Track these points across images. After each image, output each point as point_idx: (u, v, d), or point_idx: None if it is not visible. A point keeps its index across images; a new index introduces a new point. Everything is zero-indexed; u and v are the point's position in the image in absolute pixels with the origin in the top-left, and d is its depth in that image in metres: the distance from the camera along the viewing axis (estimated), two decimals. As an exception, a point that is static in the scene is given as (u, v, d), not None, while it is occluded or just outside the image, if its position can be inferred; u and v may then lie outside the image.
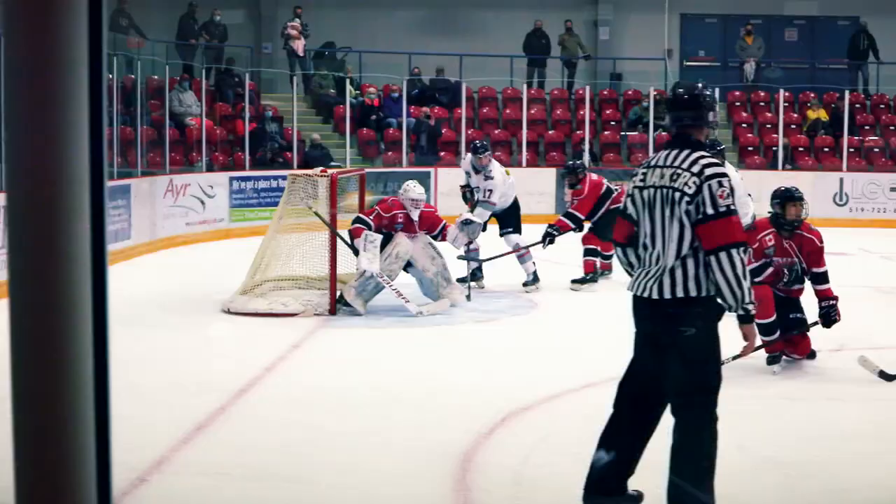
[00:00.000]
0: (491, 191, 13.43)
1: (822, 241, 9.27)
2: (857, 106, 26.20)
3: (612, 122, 26.18)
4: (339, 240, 11.94)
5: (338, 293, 11.77)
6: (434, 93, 26.03)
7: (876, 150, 25.05)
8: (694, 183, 5.36)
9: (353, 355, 10.05)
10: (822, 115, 25.70)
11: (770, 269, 9.22)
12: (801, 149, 25.32)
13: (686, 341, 5.41)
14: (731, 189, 5.42)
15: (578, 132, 25.45)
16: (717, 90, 24.59)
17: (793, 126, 25.69)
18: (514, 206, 14.03)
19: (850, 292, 12.60)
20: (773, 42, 28.41)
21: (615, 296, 12.98)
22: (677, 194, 5.40)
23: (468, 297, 12.70)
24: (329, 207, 11.87)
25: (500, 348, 10.26)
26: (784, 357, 9.32)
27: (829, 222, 20.91)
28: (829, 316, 9.11)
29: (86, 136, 1.81)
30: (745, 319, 5.65)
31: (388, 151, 24.49)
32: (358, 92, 25.21)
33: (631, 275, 5.73)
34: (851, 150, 24.36)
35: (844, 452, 7.05)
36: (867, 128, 25.88)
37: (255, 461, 6.76)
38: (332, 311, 11.64)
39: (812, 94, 26.32)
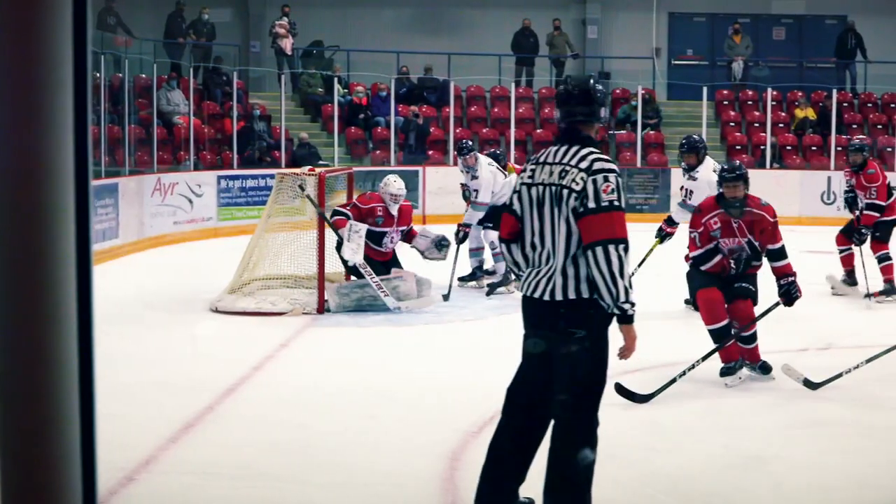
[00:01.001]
0: (477, 190, 13.37)
1: (774, 216, 8.80)
2: (845, 105, 26.24)
3: (601, 121, 26.13)
4: (326, 237, 11.92)
5: (326, 294, 11.76)
6: (422, 91, 26.03)
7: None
8: (581, 179, 5.22)
9: (341, 354, 10.05)
10: (810, 113, 25.75)
11: (718, 258, 8.82)
12: (788, 147, 25.35)
13: (576, 343, 5.26)
14: (619, 186, 5.24)
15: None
16: (704, 89, 24.67)
17: (781, 125, 25.72)
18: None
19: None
20: (760, 41, 28.45)
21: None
22: (566, 192, 5.25)
23: (446, 296, 12.69)
24: (317, 206, 11.85)
25: (488, 347, 10.25)
26: (746, 370, 8.87)
27: (816, 221, 21.00)
28: (789, 293, 8.54)
29: (70, 134, 1.80)
30: (622, 319, 5.28)
31: (376, 150, 24.49)
32: (346, 91, 25.20)
33: (517, 274, 5.59)
34: (839, 148, 24.38)
35: (831, 450, 7.06)
36: (855, 126, 25.91)
37: (243, 460, 6.75)
38: (321, 310, 11.64)
39: (800, 93, 26.36)
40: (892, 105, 26.55)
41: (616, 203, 5.19)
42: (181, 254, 17.59)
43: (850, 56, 27.26)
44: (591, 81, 5.62)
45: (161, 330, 10.97)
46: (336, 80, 24.64)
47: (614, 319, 5.28)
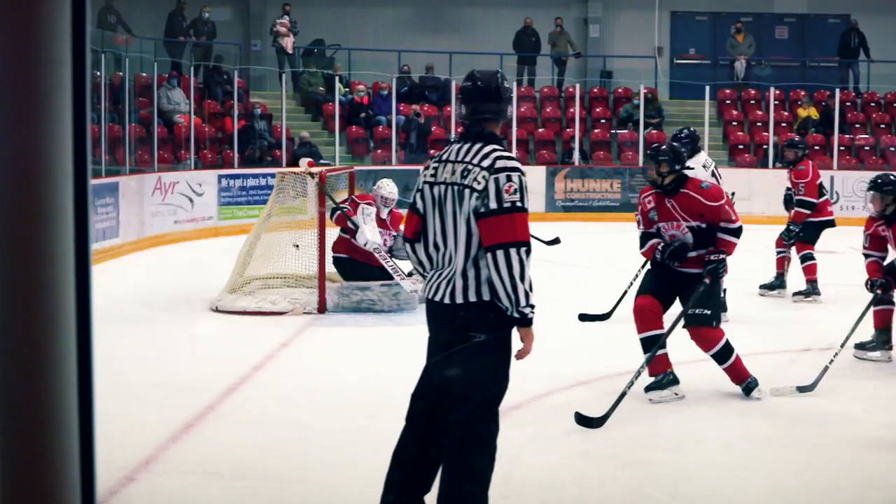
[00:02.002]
0: None
1: (714, 199, 8.19)
2: (848, 104, 26.24)
3: (603, 120, 26.20)
4: (327, 237, 11.89)
5: (327, 294, 11.72)
6: (423, 90, 26.05)
7: (867, 148, 25.09)
8: (483, 178, 5.04)
9: (341, 354, 10.03)
10: (813, 113, 25.74)
11: (655, 241, 8.35)
12: (791, 147, 25.32)
13: (475, 347, 5.12)
14: (523, 186, 5.08)
15: (568, 130, 25.47)
16: (707, 88, 24.67)
17: (783, 124, 25.71)
18: None
19: (839, 291, 12.65)
20: (763, 40, 28.46)
21: (603, 296, 12.97)
22: (467, 191, 5.08)
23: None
24: (318, 206, 11.83)
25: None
26: (671, 391, 8.25)
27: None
28: (715, 270, 8.06)
29: (69, 134, 1.78)
30: (521, 323, 5.12)
31: (377, 149, 24.50)
32: (347, 89, 25.20)
33: (423, 275, 5.44)
34: (842, 148, 24.39)
35: (831, 451, 7.04)
36: (858, 126, 25.92)
37: (243, 460, 6.73)
38: (321, 310, 11.61)
39: (803, 93, 26.38)
40: (895, 104, 26.53)
41: (519, 204, 5.04)
42: (181, 253, 17.58)
43: (853, 55, 27.26)
44: (499, 77, 5.44)
45: (161, 329, 10.96)
46: (337, 78, 24.66)
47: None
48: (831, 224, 12.90)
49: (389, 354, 10.01)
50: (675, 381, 8.26)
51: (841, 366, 8.95)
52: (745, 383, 8.24)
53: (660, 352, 8.20)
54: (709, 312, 8.11)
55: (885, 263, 9.57)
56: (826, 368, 8.57)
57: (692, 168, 11.42)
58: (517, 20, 27.19)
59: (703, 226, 8.17)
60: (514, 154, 5.37)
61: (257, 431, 7.36)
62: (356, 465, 6.66)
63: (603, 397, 8.03)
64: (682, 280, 8.20)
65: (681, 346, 8.37)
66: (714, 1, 29.26)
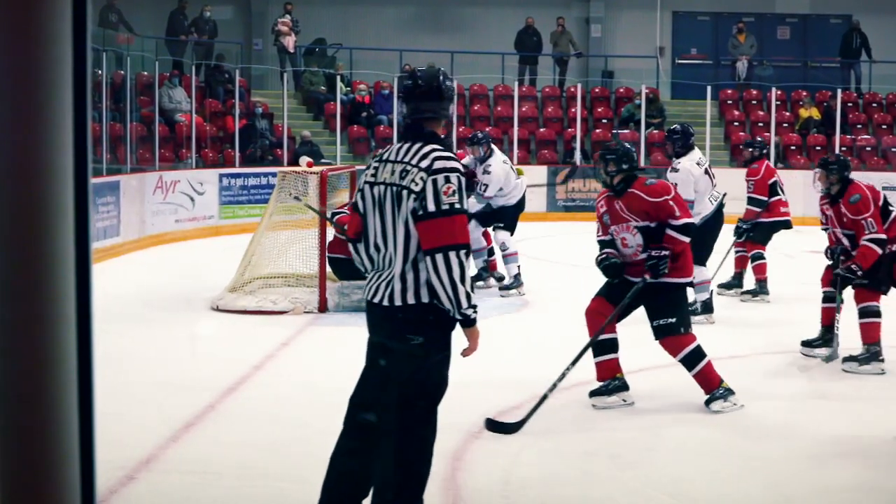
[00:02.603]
0: (486, 185, 13.26)
1: (656, 195, 7.95)
2: (850, 104, 26.22)
3: (604, 120, 26.18)
4: (328, 236, 11.89)
5: (328, 293, 11.71)
6: (425, 90, 25.99)
7: (868, 148, 25.08)
8: (421, 179, 4.98)
9: (342, 353, 9.99)
10: (815, 113, 25.74)
11: (608, 251, 8.13)
12: (793, 147, 25.34)
13: (413, 350, 5.10)
14: (462, 187, 5.02)
15: (570, 130, 25.46)
16: (708, 88, 24.66)
17: (785, 125, 25.71)
18: (517, 205, 13.70)
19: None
20: (765, 40, 28.46)
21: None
22: (405, 192, 5.01)
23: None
24: (319, 205, 11.82)
25: (490, 347, 10.18)
26: (617, 397, 8.09)
27: (820, 221, 20.94)
28: (654, 267, 7.83)
29: (70, 132, 1.77)
30: (464, 324, 5.07)
31: (378, 148, 24.44)
32: (348, 89, 25.21)
33: (364, 276, 5.37)
34: (844, 148, 24.35)
35: (832, 452, 7.02)
36: (859, 126, 25.91)
37: (244, 459, 6.73)
38: (322, 309, 11.60)
39: (804, 93, 26.37)
40: (896, 105, 26.55)
41: (457, 206, 4.98)
42: (182, 252, 17.57)
43: (855, 56, 27.24)
44: (440, 76, 5.38)
45: (162, 328, 10.95)
46: (338, 78, 24.67)
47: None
48: (786, 225, 12.86)
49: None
50: (624, 388, 8.12)
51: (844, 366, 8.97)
52: (712, 393, 7.92)
53: (608, 357, 8.09)
54: (674, 320, 7.90)
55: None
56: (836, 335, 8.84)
57: (678, 168, 11.46)
58: (519, 20, 27.19)
59: (652, 225, 7.95)
60: (453, 154, 5.27)
61: (258, 431, 7.36)
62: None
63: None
64: (644, 289, 7.97)
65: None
66: (716, 1, 29.27)
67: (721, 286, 13.06)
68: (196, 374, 8.98)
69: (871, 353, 9.35)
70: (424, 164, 5.02)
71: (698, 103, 25.63)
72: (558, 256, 14.58)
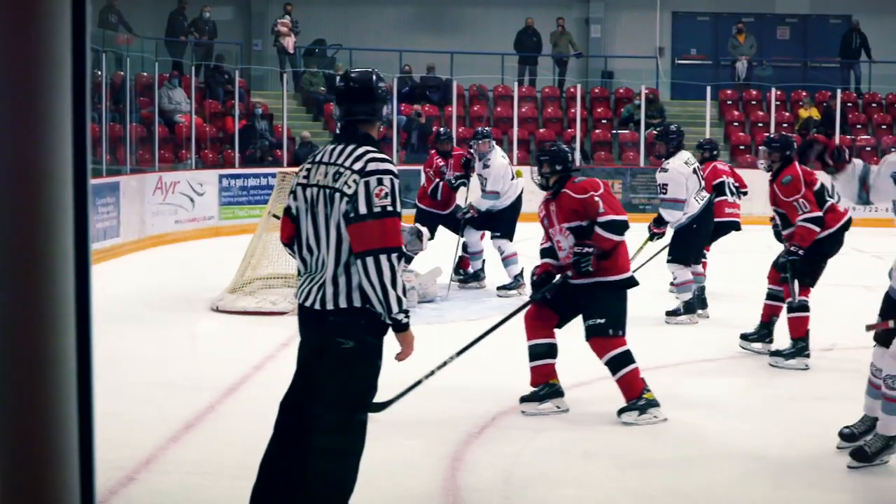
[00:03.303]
0: (486, 179, 13.30)
1: (581, 191, 7.79)
2: (849, 105, 26.22)
3: (604, 121, 26.19)
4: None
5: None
6: (424, 90, 26.04)
7: (868, 149, 25.06)
8: (354, 181, 4.93)
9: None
10: (814, 113, 25.73)
11: (546, 262, 8.04)
12: (792, 147, 25.31)
13: (343, 355, 5.01)
14: (395, 190, 4.98)
15: (570, 130, 25.46)
16: (708, 88, 24.66)
17: (785, 125, 25.68)
18: (512, 208, 13.67)
19: (841, 291, 12.64)
20: (764, 40, 28.45)
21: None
22: (338, 195, 4.97)
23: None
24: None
25: (491, 347, 10.21)
26: (549, 404, 7.94)
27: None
28: (576, 264, 7.64)
29: (69, 133, 1.77)
30: (396, 328, 5.03)
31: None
32: (348, 89, 25.15)
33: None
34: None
35: (833, 453, 7.02)
36: (859, 127, 25.90)
37: (243, 460, 6.70)
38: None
39: (804, 93, 26.36)
40: (896, 105, 26.54)
41: (389, 209, 4.93)
42: (182, 253, 17.57)
43: (855, 56, 27.23)
44: (374, 78, 5.36)
45: (162, 329, 10.95)
46: (338, 78, 24.60)
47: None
48: (732, 226, 12.75)
49: (391, 354, 9.98)
50: (558, 394, 7.97)
51: (847, 367, 8.96)
52: (630, 402, 7.67)
53: (543, 362, 7.97)
54: (602, 321, 7.69)
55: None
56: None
57: (667, 168, 11.47)
58: (519, 20, 27.18)
59: (584, 224, 7.78)
60: (387, 156, 5.22)
61: (258, 431, 7.31)
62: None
63: (602, 399, 8.02)
64: (575, 290, 7.80)
65: (672, 352, 8.35)
66: (715, 1, 29.26)
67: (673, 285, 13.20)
68: (196, 374, 8.98)
69: (798, 348, 9.47)
70: (357, 166, 4.99)
71: (698, 104, 25.63)
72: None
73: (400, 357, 5.19)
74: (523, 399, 7.96)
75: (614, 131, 25.87)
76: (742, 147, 25.34)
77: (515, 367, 9.37)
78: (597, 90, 27.19)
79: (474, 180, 13.83)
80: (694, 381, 9.01)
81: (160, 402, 8.09)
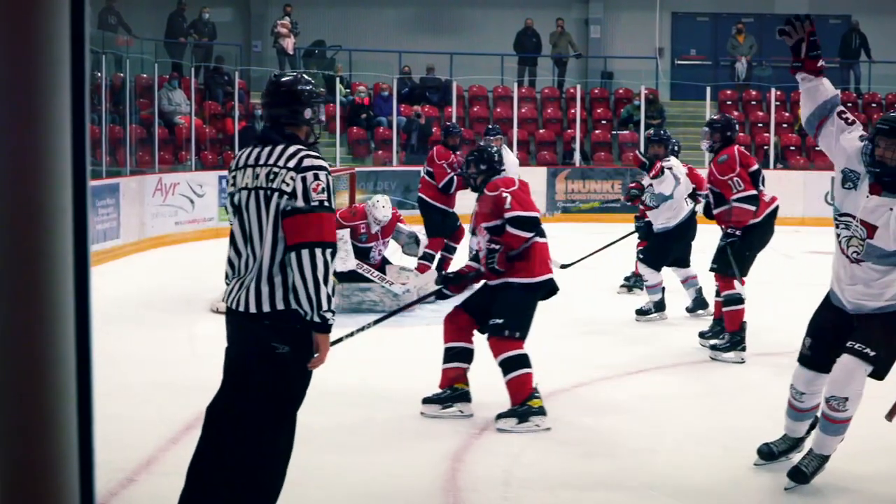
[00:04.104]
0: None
1: (494, 189, 7.76)
2: (849, 105, 26.15)
3: (603, 121, 26.18)
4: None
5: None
6: (424, 91, 26.04)
7: (867, 149, 25.05)
8: (291, 179, 4.90)
9: (339, 354, 9.95)
10: (814, 114, 25.69)
11: (471, 263, 7.95)
12: (792, 148, 25.34)
13: (277, 360, 4.94)
14: (330, 186, 4.98)
15: (569, 131, 25.46)
16: (707, 89, 24.65)
17: (784, 125, 25.70)
18: None
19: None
20: (764, 41, 28.42)
21: (601, 298, 13.00)
22: (276, 194, 4.92)
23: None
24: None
25: (487, 348, 10.20)
26: (458, 408, 7.86)
27: (819, 221, 20.93)
28: (487, 262, 7.63)
29: (68, 134, 1.77)
30: (319, 328, 4.94)
31: (378, 150, 24.51)
32: (348, 90, 25.20)
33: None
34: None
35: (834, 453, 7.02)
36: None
37: (243, 461, 6.71)
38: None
39: (803, 93, 26.32)
40: (896, 105, 26.54)
41: (326, 203, 4.92)
42: (182, 254, 17.56)
43: (855, 56, 27.24)
44: (298, 82, 5.32)
45: (162, 330, 10.95)
46: (338, 79, 24.66)
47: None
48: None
49: (388, 355, 10.00)
50: (463, 398, 7.87)
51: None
52: (512, 409, 7.54)
53: (453, 365, 7.87)
54: (501, 321, 7.58)
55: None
56: None
57: (671, 166, 11.45)
58: (518, 21, 27.18)
59: (499, 223, 7.67)
60: (320, 154, 5.20)
61: (258, 432, 7.34)
62: (356, 465, 6.67)
63: (600, 400, 8.02)
64: (487, 291, 7.81)
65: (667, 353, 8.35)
66: (715, 2, 29.24)
67: (623, 285, 13.62)
68: (196, 375, 8.94)
69: (733, 341, 9.66)
70: (292, 163, 4.96)
71: (697, 104, 25.63)
72: (556, 257, 14.51)
73: (315, 363, 5.05)
74: (425, 400, 7.88)
75: (614, 132, 25.87)
76: (742, 147, 25.30)
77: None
78: (596, 91, 27.19)
79: None
80: (700, 381, 9.01)
81: (160, 403, 8.09)
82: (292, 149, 5.04)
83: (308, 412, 7.78)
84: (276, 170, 4.98)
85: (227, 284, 5.13)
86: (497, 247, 7.57)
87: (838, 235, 6.34)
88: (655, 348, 10.07)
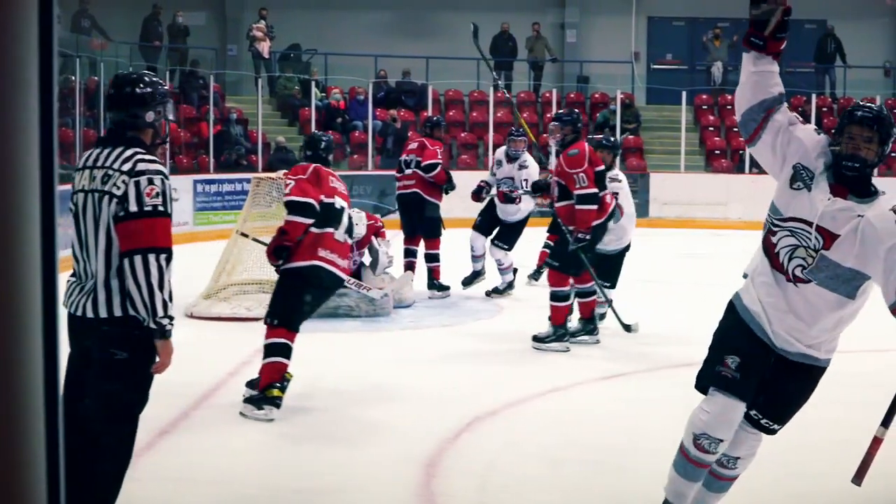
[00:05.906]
0: (526, 180, 13.34)
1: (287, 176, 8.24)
2: (825, 109, 26.31)
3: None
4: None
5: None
6: (400, 95, 26.03)
7: (842, 153, 25.16)
8: (123, 182, 4.82)
9: (316, 360, 9.98)
10: (789, 118, 25.79)
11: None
12: (767, 152, 25.38)
13: (116, 366, 4.90)
14: (166, 190, 4.89)
15: (545, 135, 25.46)
16: (683, 93, 24.71)
17: (759, 130, 25.73)
18: (524, 221, 13.65)
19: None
20: (740, 45, 28.48)
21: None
22: (107, 198, 4.84)
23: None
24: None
25: (466, 352, 10.20)
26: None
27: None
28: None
29: (36, 137, 1.74)
30: (158, 335, 4.89)
31: (353, 154, 24.48)
32: (323, 94, 25.18)
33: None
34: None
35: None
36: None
37: (217, 467, 6.70)
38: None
39: (779, 98, 26.41)
40: (871, 110, 26.59)
41: (161, 208, 4.84)
42: (157, 258, 17.47)
43: (830, 61, 27.36)
44: (138, 82, 5.17)
45: (136, 335, 10.88)
46: (313, 83, 24.63)
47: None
48: None
49: (364, 360, 9.98)
50: (258, 398, 7.83)
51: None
52: (251, 395, 7.84)
53: (276, 360, 7.87)
54: (268, 309, 8.05)
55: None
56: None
57: (620, 178, 11.35)
58: (494, 25, 27.16)
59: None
60: (157, 158, 5.08)
61: (232, 438, 7.32)
62: (331, 472, 6.65)
63: (577, 405, 8.01)
64: None
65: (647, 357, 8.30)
66: (691, 6, 29.30)
67: (531, 276, 14.23)
68: (170, 380, 8.88)
69: (557, 335, 10.14)
70: (126, 167, 4.87)
71: (674, 108, 25.70)
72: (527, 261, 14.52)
73: (158, 368, 5.01)
74: (246, 401, 7.87)
75: (590, 136, 25.85)
76: (717, 152, 25.39)
77: (490, 372, 9.36)
78: (572, 95, 27.22)
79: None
80: (675, 385, 9.01)
81: (134, 408, 8.04)
82: (129, 152, 4.93)
83: (281, 418, 7.77)
84: (110, 172, 4.90)
85: (68, 287, 5.03)
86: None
87: (774, 245, 5.25)
88: (637, 353, 10.07)
